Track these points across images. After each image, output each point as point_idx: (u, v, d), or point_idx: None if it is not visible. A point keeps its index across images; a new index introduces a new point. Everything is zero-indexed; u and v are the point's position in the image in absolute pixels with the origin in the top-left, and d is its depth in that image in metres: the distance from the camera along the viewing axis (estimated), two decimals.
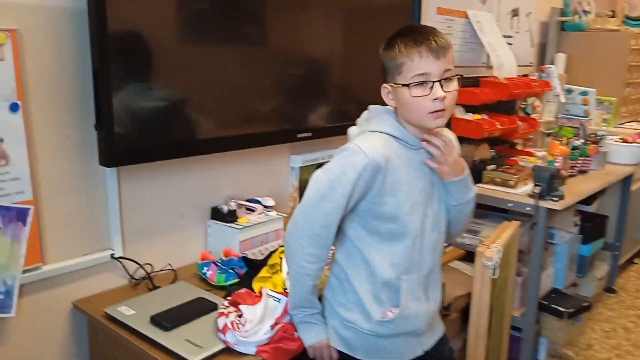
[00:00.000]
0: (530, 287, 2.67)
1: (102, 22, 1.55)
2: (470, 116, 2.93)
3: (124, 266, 1.84)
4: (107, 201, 1.77)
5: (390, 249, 1.41)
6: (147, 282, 1.81)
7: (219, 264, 1.84)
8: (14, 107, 1.51)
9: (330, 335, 1.48)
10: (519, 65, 3.49)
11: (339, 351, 1.48)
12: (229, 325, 1.45)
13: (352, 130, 1.50)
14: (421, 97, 1.32)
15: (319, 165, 1.45)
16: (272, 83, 2.09)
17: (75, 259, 1.72)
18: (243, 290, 1.61)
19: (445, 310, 2.42)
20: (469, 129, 2.83)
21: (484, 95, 2.86)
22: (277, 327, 1.46)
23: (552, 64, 4.00)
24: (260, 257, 1.91)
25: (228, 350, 1.45)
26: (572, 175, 3.00)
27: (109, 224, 1.79)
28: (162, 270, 1.92)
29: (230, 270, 1.82)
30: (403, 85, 1.34)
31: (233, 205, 2.04)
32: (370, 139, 1.39)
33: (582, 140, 3.18)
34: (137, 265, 1.85)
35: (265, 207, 2.14)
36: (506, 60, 3.24)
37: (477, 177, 2.78)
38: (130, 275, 1.85)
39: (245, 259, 1.87)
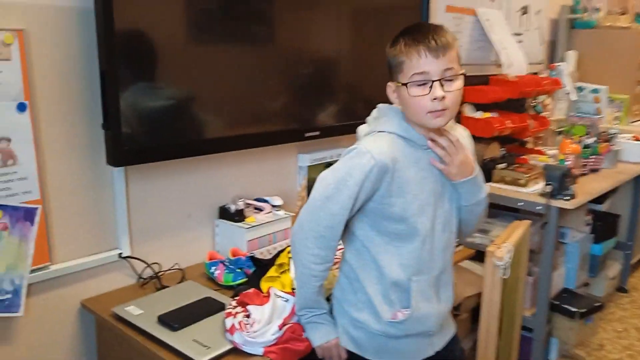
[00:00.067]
0: (541, 287, 2.65)
1: (110, 21, 1.55)
2: (480, 114, 2.91)
3: (131, 265, 1.84)
4: (115, 201, 1.77)
5: (399, 249, 1.39)
6: (155, 281, 1.81)
7: (227, 264, 1.83)
8: (21, 107, 1.51)
9: (339, 334, 1.47)
10: (529, 63, 3.46)
11: (348, 351, 1.47)
12: (237, 326, 1.45)
13: (361, 129, 1.49)
14: (420, 96, 1.31)
15: (328, 164, 1.44)
16: (280, 82, 2.08)
17: (83, 258, 1.72)
18: (251, 290, 1.61)
19: (455, 310, 2.40)
20: (479, 127, 2.81)
21: (493, 94, 2.84)
22: (285, 328, 1.45)
23: (562, 61, 3.96)
24: (268, 257, 1.91)
25: (235, 350, 1.44)
26: (583, 174, 2.97)
27: (116, 224, 1.78)
28: (169, 269, 1.92)
29: (238, 270, 1.81)
30: (403, 84, 1.33)
31: (241, 204, 2.03)
32: (378, 139, 1.37)
33: (594, 139, 3.14)
34: (145, 265, 1.85)
35: (273, 206, 2.13)
36: (516, 58, 3.21)
37: (488, 176, 2.76)
38: (138, 275, 1.85)
39: (253, 259, 1.86)
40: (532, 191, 2.66)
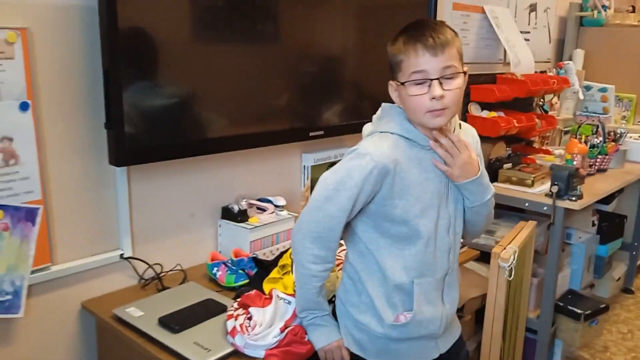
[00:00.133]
0: (546, 289, 2.63)
1: (113, 19, 1.54)
2: (486, 114, 2.89)
3: (133, 266, 1.83)
4: (117, 201, 1.76)
5: (402, 252, 1.38)
6: (157, 282, 1.80)
7: (229, 265, 1.82)
8: (24, 106, 1.50)
9: (343, 335, 1.46)
10: (537, 62, 3.43)
11: (351, 352, 1.45)
12: (238, 328, 1.44)
13: (366, 127, 1.47)
14: (418, 95, 1.29)
15: (332, 164, 1.43)
16: (284, 81, 2.06)
17: (84, 259, 1.71)
18: (253, 291, 1.59)
19: (459, 312, 2.38)
20: (486, 126, 2.78)
21: (500, 93, 2.81)
22: (287, 330, 1.44)
23: (570, 60, 3.93)
24: (271, 258, 1.89)
25: (237, 353, 1.43)
26: (590, 174, 2.95)
27: (118, 224, 1.78)
28: (171, 270, 1.91)
29: (241, 271, 1.80)
30: (402, 83, 1.31)
31: (244, 204, 2.02)
32: (379, 141, 1.35)
33: (601, 138, 3.12)
34: (147, 266, 1.84)
35: (277, 206, 2.12)
36: (523, 57, 3.19)
37: (494, 176, 2.74)
38: (140, 276, 1.84)
39: (255, 260, 1.85)
40: (539, 191, 2.64)
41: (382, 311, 1.39)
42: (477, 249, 2.39)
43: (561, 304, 2.82)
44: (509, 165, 2.86)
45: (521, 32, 3.41)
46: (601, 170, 3.06)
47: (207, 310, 1.60)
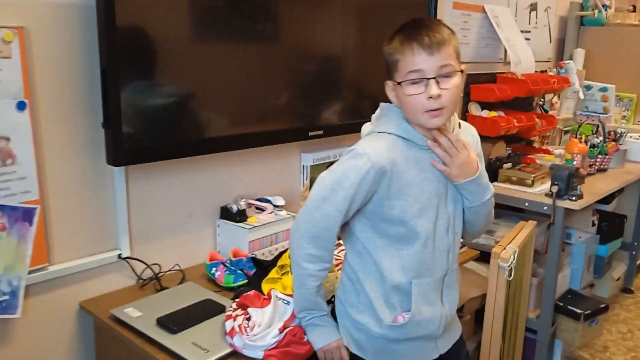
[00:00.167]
0: (546, 289, 2.62)
1: (111, 18, 1.53)
2: (486, 113, 2.88)
3: (131, 266, 1.82)
4: (115, 201, 1.75)
5: (400, 252, 1.37)
6: (155, 282, 1.80)
7: (228, 265, 1.82)
8: (20, 106, 1.49)
9: (342, 335, 1.45)
10: (537, 61, 3.43)
11: (350, 352, 1.45)
12: (237, 329, 1.43)
13: (365, 127, 1.46)
14: (415, 95, 1.28)
15: (331, 164, 1.42)
16: (283, 80, 2.05)
17: (82, 259, 1.71)
18: (251, 292, 1.59)
19: (459, 312, 2.38)
20: (486, 126, 2.77)
21: (501, 92, 2.81)
22: (285, 331, 1.44)
23: (570, 59, 3.92)
24: (270, 258, 1.89)
25: (235, 354, 1.42)
26: (590, 174, 2.94)
27: (116, 224, 1.77)
28: (170, 270, 1.90)
29: (239, 271, 1.80)
30: (398, 82, 1.30)
31: (243, 204, 2.01)
32: (377, 141, 1.35)
33: (601, 138, 3.11)
34: (145, 266, 1.84)
35: (276, 206, 2.11)
36: (524, 56, 3.18)
37: (493, 176, 2.73)
38: (138, 276, 1.83)
39: (254, 260, 1.84)
40: (539, 191, 2.63)
41: (380, 311, 1.38)
42: (477, 249, 2.39)
43: (561, 304, 2.82)
44: (509, 164, 2.85)
45: (522, 31, 3.40)
46: (601, 170, 3.06)
47: (205, 311, 1.59)
